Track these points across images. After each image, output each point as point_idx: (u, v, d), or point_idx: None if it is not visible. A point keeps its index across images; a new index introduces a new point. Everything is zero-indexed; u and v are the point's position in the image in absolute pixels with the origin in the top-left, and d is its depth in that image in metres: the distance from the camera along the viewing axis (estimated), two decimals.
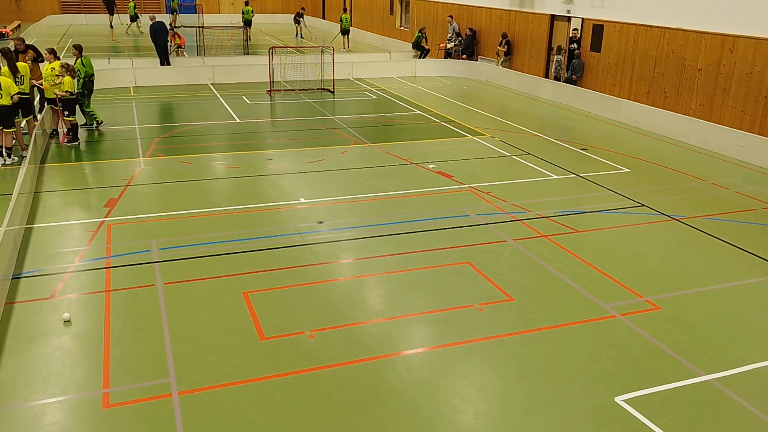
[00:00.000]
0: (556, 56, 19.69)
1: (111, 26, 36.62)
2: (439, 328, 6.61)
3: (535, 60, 21.03)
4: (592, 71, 18.47)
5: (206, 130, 14.87)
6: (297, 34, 36.10)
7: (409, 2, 30.20)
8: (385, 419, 5.24)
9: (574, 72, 18.59)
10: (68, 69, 12.86)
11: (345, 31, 31.15)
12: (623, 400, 5.51)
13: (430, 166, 12.07)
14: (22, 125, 12.40)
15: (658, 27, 15.99)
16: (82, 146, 13.16)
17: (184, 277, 7.57)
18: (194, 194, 10.45)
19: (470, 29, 24.00)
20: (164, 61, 21.88)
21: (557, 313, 6.93)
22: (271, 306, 6.96)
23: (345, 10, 35.63)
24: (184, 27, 29.68)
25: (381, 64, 23.65)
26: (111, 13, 36.94)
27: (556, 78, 19.59)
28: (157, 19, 22.00)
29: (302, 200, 10.22)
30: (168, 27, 22.39)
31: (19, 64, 11.97)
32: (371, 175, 11.58)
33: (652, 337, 6.50)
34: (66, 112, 13.05)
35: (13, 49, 13.51)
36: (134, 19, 35.61)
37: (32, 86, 12.73)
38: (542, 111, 17.81)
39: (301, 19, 35.95)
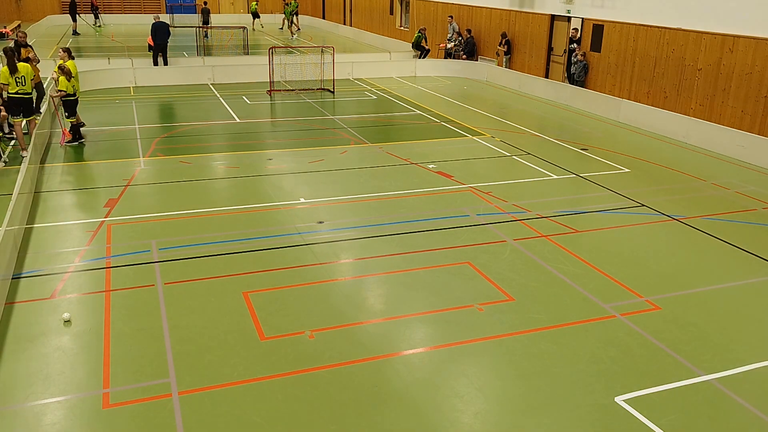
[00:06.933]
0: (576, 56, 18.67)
1: (75, 32, 33.47)
2: (439, 328, 6.61)
3: (535, 60, 21.03)
4: (592, 71, 18.46)
5: (206, 130, 14.87)
6: (253, 26, 38.98)
7: (409, 2, 30.20)
8: (385, 419, 5.24)
9: (586, 73, 18.43)
10: (63, 70, 12.85)
11: (293, 13, 36.58)
12: (623, 400, 5.51)
13: (430, 166, 12.07)
14: (23, 125, 12.40)
15: (658, 27, 15.99)
16: (82, 146, 13.16)
17: (184, 277, 7.57)
18: (194, 194, 10.45)
19: (468, 30, 23.99)
20: (157, 61, 21.88)
21: (557, 313, 6.93)
22: (271, 306, 6.96)
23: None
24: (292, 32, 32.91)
25: (381, 64, 23.65)
26: (74, 19, 33.79)
27: (576, 80, 18.67)
28: (159, 19, 22.05)
29: (302, 200, 10.21)
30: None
31: (20, 65, 11.92)
32: (371, 175, 11.58)
33: (652, 337, 6.50)
34: (66, 113, 13.06)
35: (14, 46, 13.52)
36: (256, 16, 38.74)
37: (34, 86, 12.72)
38: (542, 111, 17.81)
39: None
